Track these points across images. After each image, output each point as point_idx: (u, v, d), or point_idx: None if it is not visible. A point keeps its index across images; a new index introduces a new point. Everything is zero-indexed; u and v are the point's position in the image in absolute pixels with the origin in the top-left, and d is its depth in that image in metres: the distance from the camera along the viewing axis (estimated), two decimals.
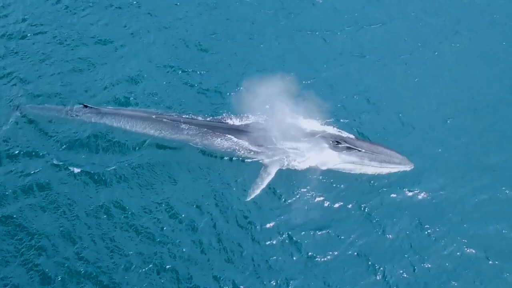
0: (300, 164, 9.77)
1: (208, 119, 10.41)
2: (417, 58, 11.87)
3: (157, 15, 13.09)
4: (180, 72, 11.77)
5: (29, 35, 12.82)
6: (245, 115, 10.35)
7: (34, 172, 10.18)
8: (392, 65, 11.79)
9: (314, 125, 10.12)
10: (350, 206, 9.48)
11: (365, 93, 11.18)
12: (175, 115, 10.52)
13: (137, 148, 10.44)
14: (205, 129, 10.16)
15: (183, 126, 10.25)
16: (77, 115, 10.89)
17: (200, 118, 10.42)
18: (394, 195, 9.58)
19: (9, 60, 12.31)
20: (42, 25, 13.02)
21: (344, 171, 9.75)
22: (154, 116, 10.44)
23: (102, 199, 9.74)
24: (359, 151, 9.57)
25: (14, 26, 13.07)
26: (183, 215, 9.48)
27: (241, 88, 10.88)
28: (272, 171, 9.70)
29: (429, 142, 10.33)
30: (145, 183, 9.95)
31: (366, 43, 12.24)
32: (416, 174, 9.78)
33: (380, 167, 9.63)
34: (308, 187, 9.67)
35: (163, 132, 10.32)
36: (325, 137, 9.76)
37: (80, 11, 13.31)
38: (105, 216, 9.50)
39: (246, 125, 10.19)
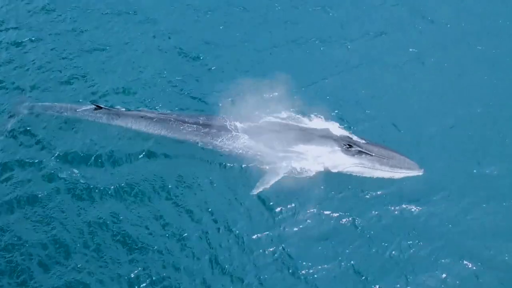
0: (311, 166, 9.72)
1: (216, 120, 10.35)
2: (416, 65, 11.73)
3: (153, 23, 13.07)
4: (176, 78, 11.70)
5: (24, 41, 12.82)
6: (249, 118, 10.27)
7: (28, 182, 10.08)
8: (390, 73, 11.65)
9: (318, 128, 10.06)
10: (345, 217, 9.31)
11: (363, 101, 11.05)
12: (182, 115, 10.56)
13: (131, 158, 10.32)
14: (215, 130, 10.14)
15: (191, 126, 10.26)
16: (86, 115, 10.94)
17: (206, 119, 10.40)
18: (392, 207, 9.40)
19: (3, 68, 12.30)
20: (36, 33, 13.03)
21: (354, 174, 9.73)
22: (163, 116, 10.54)
23: (96, 209, 9.62)
24: (371, 155, 9.56)
25: (8, 34, 13.10)
26: (175, 225, 9.36)
27: (238, 93, 10.77)
28: (281, 172, 9.66)
29: (427, 151, 10.15)
30: (139, 193, 9.82)
31: (364, 51, 12.12)
32: (414, 184, 9.61)
33: (390, 171, 9.59)
34: (303, 197, 9.51)
35: (172, 132, 10.37)
36: (337, 140, 9.75)
37: (76, 19, 13.31)
38: (98, 226, 9.40)
39: (253, 126, 10.13)
